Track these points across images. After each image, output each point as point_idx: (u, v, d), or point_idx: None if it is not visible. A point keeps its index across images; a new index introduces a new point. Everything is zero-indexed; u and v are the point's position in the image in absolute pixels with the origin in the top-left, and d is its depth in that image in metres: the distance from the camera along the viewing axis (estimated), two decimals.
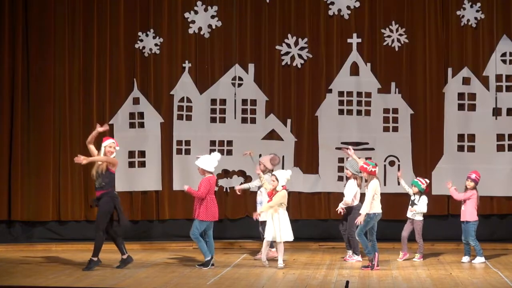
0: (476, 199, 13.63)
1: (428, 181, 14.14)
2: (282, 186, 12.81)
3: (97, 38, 16.14)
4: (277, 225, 12.74)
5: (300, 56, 16.21)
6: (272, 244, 13.51)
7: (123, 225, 12.70)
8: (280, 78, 16.28)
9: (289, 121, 16.22)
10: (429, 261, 13.83)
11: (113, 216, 12.69)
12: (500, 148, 15.96)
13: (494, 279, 11.90)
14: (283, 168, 15.65)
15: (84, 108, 16.12)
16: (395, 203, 15.26)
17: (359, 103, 16.15)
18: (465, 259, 13.68)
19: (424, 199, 13.97)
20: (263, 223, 13.44)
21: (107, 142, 12.74)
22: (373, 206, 12.85)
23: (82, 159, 12.56)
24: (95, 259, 12.59)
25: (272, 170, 13.93)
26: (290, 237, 12.85)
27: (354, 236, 13.62)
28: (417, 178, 14.31)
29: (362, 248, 13.44)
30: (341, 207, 13.80)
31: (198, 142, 16.04)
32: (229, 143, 16.18)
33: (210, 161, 12.96)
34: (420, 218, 14.01)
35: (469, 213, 13.64)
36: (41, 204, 15.93)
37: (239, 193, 14.51)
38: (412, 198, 14.03)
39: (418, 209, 13.91)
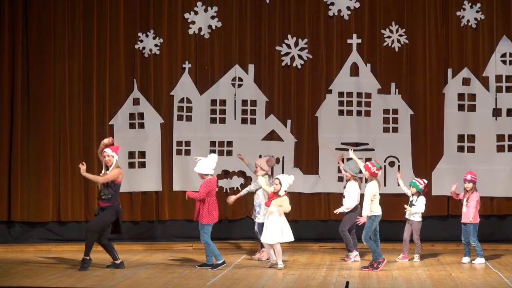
0: (479, 201, 13.66)
1: (426, 182, 14.13)
2: (284, 191, 12.82)
3: (97, 38, 16.13)
4: (271, 227, 12.73)
5: (300, 56, 16.21)
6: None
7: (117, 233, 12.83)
8: (280, 79, 16.27)
9: (289, 121, 16.21)
10: (429, 261, 13.84)
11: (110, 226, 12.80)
12: (500, 148, 15.96)
13: (494, 279, 11.91)
14: (283, 169, 15.68)
15: (84, 108, 16.11)
16: (395, 204, 15.24)
17: (359, 103, 16.14)
18: (465, 259, 13.68)
19: (422, 199, 13.96)
20: (260, 224, 13.50)
21: (104, 152, 12.75)
22: (372, 208, 12.86)
23: (82, 169, 12.57)
24: (88, 258, 12.61)
25: (272, 173, 13.94)
26: (287, 239, 12.82)
27: (345, 233, 13.66)
28: (415, 178, 14.31)
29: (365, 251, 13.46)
30: (342, 211, 13.77)
31: (198, 142, 16.03)
32: (229, 143, 16.17)
33: (208, 164, 12.96)
34: (418, 218, 14.01)
35: (469, 214, 13.62)
36: (41, 204, 15.92)
37: (231, 203, 14.44)
38: (411, 198, 14.03)
39: (415, 209, 13.91)
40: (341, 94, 16.18)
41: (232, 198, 14.27)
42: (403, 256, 13.93)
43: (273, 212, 12.74)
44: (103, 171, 12.80)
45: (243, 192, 14.38)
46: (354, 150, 13.81)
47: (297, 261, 13.88)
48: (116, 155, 12.73)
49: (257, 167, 13.94)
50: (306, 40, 16.20)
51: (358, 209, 13.66)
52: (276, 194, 12.78)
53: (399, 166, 15.89)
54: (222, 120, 16.22)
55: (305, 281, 11.75)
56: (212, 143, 16.11)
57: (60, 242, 15.86)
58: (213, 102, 16.25)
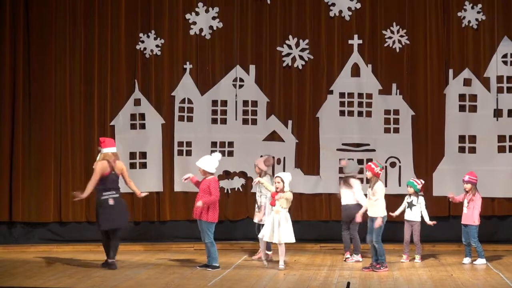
0: (480, 203, 13.65)
1: (423, 182, 14.13)
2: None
3: (98, 39, 16.14)
4: (277, 226, 12.73)
5: (301, 57, 16.21)
6: (269, 246, 13.51)
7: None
8: (281, 79, 16.27)
9: (290, 122, 16.22)
10: (430, 262, 13.84)
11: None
12: (501, 149, 15.96)
13: (495, 280, 11.91)
14: (284, 170, 15.67)
15: (85, 109, 16.12)
16: (395, 204, 15.17)
17: (360, 104, 16.14)
18: (466, 260, 13.67)
19: (423, 202, 13.93)
20: (262, 225, 13.48)
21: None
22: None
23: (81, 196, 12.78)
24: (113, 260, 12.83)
25: (273, 173, 13.92)
26: (291, 239, 12.82)
27: (356, 236, 13.65)
28: (412, 178, 14.30)
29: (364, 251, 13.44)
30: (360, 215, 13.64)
31: (199, 143, 16.03)
32: (230, 144, 16.18)
33: (211, 162, 12.97)
34: (419, 219, 14.00)
35: (474, 216, 13.60)
36: (42, 205, 15.93)
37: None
38: (409, 200, 14.00)
39: (424, 214, 13.86)
40: (342, 95, 16.19)
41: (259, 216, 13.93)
42: (406, 257, 13.91)
43: (280, 211, 12.73)
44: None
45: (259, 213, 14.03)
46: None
47: (298, 261, 13.88)
48: (102, 149, 12.80)
49: (256, 167, 13.91)
50: (307, 40, 16.20)
51: (358, 208, 13.62)
52: (281, 191, 12.77)
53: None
54: (223, 121, 16.23)
55: (306, 282, 11.75)
56: (213, 144, 16.12)
57: (61, 243, 15.87)
58: (214, 102, 16.25)
